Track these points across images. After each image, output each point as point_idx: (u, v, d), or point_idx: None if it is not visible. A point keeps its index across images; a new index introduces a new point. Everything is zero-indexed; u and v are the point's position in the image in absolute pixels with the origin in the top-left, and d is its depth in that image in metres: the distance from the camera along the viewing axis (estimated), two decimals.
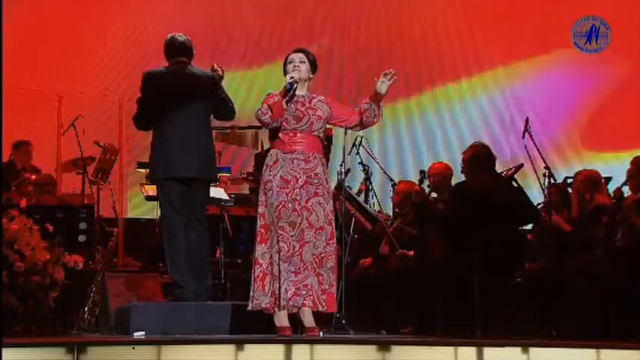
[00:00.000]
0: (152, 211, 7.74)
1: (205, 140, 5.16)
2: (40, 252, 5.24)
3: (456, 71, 9.18)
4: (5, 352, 3.63)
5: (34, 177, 7.13)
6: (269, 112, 4.48)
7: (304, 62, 4.62)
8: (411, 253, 6.00)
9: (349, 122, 4.69)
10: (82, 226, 6.42)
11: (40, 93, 8.28)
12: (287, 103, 4.51)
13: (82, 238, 6.39)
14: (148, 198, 5.94)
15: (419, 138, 9.14)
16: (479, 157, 5.69)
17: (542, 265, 5.79)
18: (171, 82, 5.11)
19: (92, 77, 9.12)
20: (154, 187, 5.60)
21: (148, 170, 5.89)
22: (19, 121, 8.54)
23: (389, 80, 4.56)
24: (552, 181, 5.95)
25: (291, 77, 4.53)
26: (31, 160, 7.84)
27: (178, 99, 5.06)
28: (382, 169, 7.14)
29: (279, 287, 4.39)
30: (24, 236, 5.22)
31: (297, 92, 4.60)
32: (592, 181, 5.77)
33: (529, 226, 6.20)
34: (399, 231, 6.15)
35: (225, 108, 5.22)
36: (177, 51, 5.20)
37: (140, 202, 7.73)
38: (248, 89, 8.92)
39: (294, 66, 4.60)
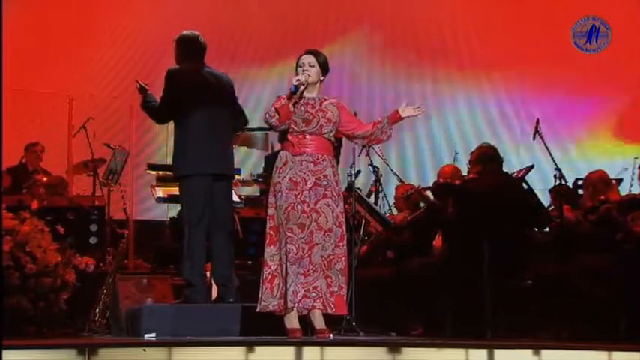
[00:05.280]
0: (162, 213, 7.77)
1: (228, 139, 5.23)
2: (52, 254, 5.26)
3: (455, 72, 9.18)
4: (17, 353, 3.65)
5: (45, 179, 7.16)
6: (276, 115, 4.48)
7: (314, 66, 4.61)
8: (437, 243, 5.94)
9: (356, 131, 4.66)
10: (93, 227, 6.45)
11: (51, 96, 8.32)
12: (294, 105, 4.51)
13: (92, 239, 6.42)
14: (159, 200, 5.95)
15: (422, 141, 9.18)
16: (486, 157, 5.68)
17: (553, 266, 5.77)
18: (197, 81, 5.14)
19: (103, 80, 9.16)
20: (165, 188, 5.62)
21: (156, 172, 5.93)
22: (31, 124, 8.59)
23: (414, 111, 4.57)
24: (563, 182, 5.92)
25: (297, 80, 4.53)
26: (40, 161, 7.87)
27: (204, 98, 5.11)
28: (392, 170, 7.13)
29: (286, 289, 4.40)
30: (35, 238, 5.23)
31: (307, 94, 4.60)
32: (604, 182, 5.74)
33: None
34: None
35: (239, 115, 5.29)
36: (199, 50, 5.24)
37: (150, 204, 7.75)
38: (260, 91, 8.94)
39: (303, 70, 4.60)
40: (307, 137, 4.56)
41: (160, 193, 5.85)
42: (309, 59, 4.63)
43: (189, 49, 5.24)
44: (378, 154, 6.74)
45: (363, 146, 6.42)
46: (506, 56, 8.97)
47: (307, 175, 4.51)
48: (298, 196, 4.48)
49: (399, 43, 9.25)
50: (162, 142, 8.23)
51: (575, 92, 8.82)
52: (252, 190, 7.53)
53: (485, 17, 9.12)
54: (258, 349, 3.80)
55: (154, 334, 4.58)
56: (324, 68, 4.66)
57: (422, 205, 6.06)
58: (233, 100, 5.29)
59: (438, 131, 9.12)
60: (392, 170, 7.13)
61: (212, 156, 5.07)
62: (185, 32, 5.29)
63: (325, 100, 4.65)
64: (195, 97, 5.10)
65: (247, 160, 8.34)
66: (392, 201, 6.87)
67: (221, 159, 5.12)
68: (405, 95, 8.74)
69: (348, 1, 9.39)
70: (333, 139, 4.66)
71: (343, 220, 4.57)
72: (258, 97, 8.76)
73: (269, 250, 4.53)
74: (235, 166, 5.52)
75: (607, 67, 8.73)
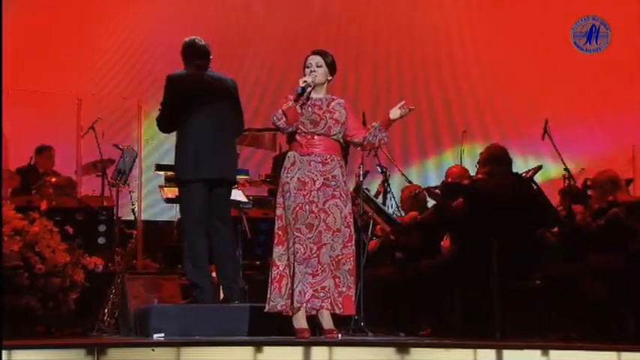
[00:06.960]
0: (170, 213, 7.78)
1: (231, 142, 5.23)
2: (61, 254, 5.28)
3: (456, 72, 9.17)
4: (25, 353, 3.67)
5: (54, 179, 7.17)
6: (284, 117, 4.48)
7: (321, 66, 4.60)
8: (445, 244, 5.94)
9: (354, 137, 4.66)
10: (102, 228, 6.47)
11: (59, 96, 8.34)
12: (301, 107, 4.50)
13: (101, 240, 6.44)
14: (167, 200, 5.96)
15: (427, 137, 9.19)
16: (495, 158, 5.66)
17: (562, 266, 5.76)
18: (197, 85, 5.15)
19: (111, 80, 9.17)
20: (173, 189, 5.62)
21: (165, 172, 5.94)
22: (40, 124, 8.61)
23: (402, 111, 4.55)
24: (573, 182, 5.90)
25: (304, 81, 4.51)
26: (53, 165, 7.90)
27: (204, 102, 5.11)
28: (400, 171, 7.13)
29: (293, 289, 4.40)
30: (44, 238, 5.25)
31: (315, 95, 4.59)
32: (612, 182, 5.69)
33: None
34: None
35: (238, 119, 5.29)
36: (199, 54, 5.24)
37: (158, 205, 7.76)
38: (263, 91, 8.94)
39: (311, 71, 4.59)
40: (315, 138, 4.56)
41: (168, 193, 5.86)
42: (316, 59, 4.62)
43: (190, 53, 5.25)
44: (386, 155, 6.73)
45: (368, 150, 6.46)
46: (506, 56, 8.96)
47: (316, 175, 4.51)
48: (307, 196, 4.48)
49: (402, 45, 9.25)
50: (170, 142, 8.24)
51: (575, 92, 8.80)
52: (261, 190, 7.53)
53: (486, 18, 9.12)
54: (266, 349, 3.80)
55: (162, 334, 4.59)
56: (332, 68, 4.65)
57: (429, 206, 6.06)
58: (237, 102, 5.28)
59: (444, 131, 9.12)
60: (400, 170, 7.13)
61: (211, 161, 5.06)
62: (185, 39, 5.32)
63: (333, 100, 4.64)
64: (195, 102, 5.09)
65: (252, 160, 8.34)
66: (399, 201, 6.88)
67: (220, 163, 5.10)
68: (408, 97, 8.77)
69: (352, 3, 9.40)
70: (341, 139, 4.65)
71: (351, 220, 4.57)
72: (260, 97, 8.76)
73: (277, 251, 4.53)
74: (241, 167, 5.53)
75: (607, 67, 8.72)
